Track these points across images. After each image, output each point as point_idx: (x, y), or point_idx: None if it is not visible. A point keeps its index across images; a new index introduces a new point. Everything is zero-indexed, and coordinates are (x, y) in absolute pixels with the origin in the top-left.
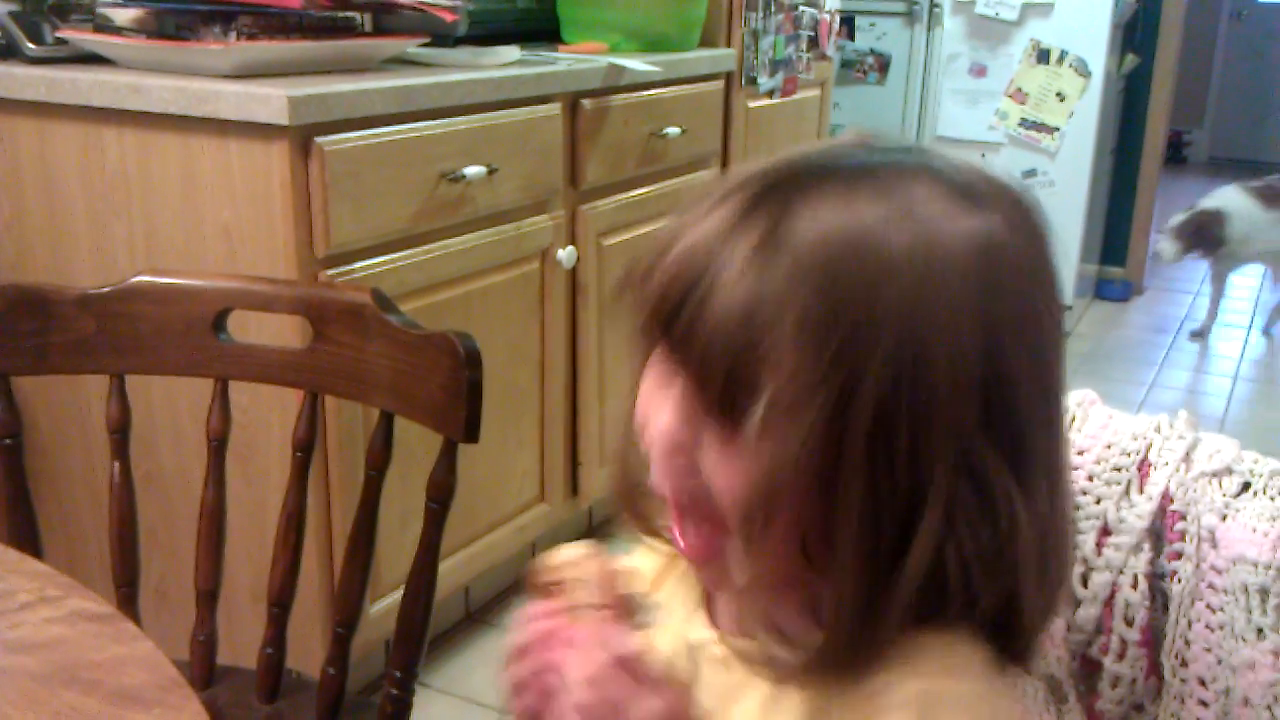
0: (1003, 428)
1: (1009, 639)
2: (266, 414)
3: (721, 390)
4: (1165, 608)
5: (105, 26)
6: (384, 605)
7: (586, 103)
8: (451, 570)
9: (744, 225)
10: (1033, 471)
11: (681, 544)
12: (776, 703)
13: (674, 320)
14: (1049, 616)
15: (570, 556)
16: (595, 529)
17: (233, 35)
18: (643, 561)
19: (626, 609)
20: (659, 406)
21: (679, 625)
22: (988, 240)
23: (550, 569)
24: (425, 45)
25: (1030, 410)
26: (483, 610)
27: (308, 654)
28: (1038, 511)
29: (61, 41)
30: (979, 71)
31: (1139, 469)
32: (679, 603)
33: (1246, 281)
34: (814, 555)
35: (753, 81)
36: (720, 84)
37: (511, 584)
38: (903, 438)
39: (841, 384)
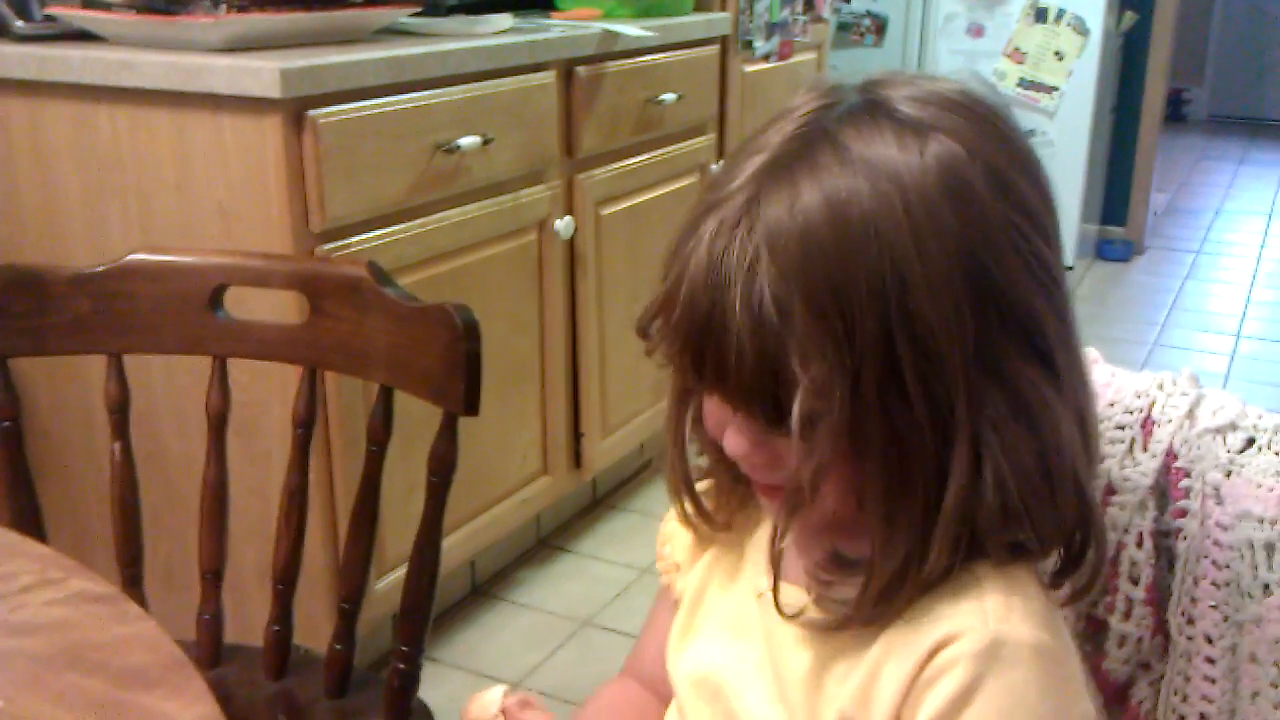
0: (1015, 329)
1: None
2: (267, 391)
3: (767, 414)
4: (1171, 566)
5: (94, 2)
6: (390, 580)
7: (581, 70)
8: (457, 544)
9: (729, 252)
10: (1063, 358)
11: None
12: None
13: (702, 369)
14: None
15: (480, 711)
16: (599, 500)
17: (223, 8)
18: (679, 538)
19: None
20: (730, 437)
21: (753, 579)
22: (941, 170)
23: None
24: (417, 14)
25: (1033, 302)
26: (489, 583)
27: (315, 630)
28: (1074, 400)
29: (50, 18)
30: (976, 32)
31: (1142, 427)
32: (757, 557)
33: (1248, 239)
34: (866, 505)
35: (748, 45)
36: (716, 48)
37: (518, 557)
38: (912, 380)
39: (852, 360)
